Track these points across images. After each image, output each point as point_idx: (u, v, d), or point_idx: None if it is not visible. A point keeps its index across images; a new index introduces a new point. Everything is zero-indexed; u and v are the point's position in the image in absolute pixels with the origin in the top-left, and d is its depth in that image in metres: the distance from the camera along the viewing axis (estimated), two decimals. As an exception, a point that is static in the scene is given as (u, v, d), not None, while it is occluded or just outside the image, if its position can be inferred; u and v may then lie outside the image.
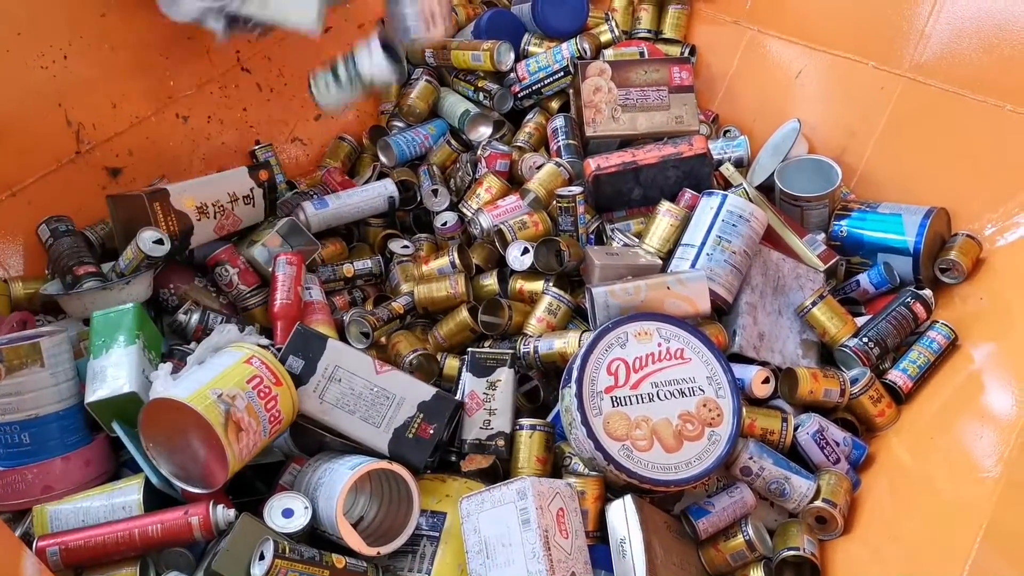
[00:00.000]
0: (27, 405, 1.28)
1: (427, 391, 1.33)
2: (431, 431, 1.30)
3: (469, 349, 1.44)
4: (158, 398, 1.16)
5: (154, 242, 1.50)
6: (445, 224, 1.74)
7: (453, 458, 1.38)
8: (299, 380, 1.30)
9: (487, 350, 1.41)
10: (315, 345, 1.32)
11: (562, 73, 1.85)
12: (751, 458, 1.29)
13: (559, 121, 1.80)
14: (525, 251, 1.58)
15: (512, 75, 1.90)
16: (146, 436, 1.18)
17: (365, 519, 1.30)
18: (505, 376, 1.39)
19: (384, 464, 1.24)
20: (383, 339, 1.59)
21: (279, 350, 1.32)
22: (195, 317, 1.50)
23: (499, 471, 1.38)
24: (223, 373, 1.20)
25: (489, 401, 1.37)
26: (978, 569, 1.02)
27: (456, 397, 1.39)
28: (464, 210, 1.74)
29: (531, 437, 1.35)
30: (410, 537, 1.24)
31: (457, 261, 1.61)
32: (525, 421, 1.37)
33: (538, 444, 1.35)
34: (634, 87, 1.77)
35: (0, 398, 1.27)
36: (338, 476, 1.21)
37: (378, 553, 1.20)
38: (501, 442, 1.35)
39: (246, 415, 1.17)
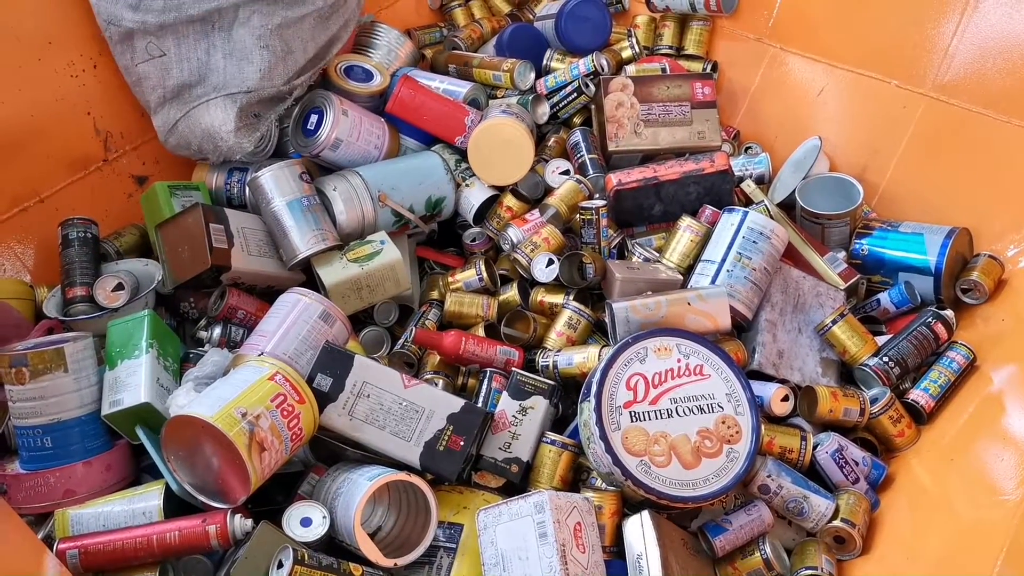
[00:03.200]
0: (50, 409, 1.29)
1: (456, 403, 1.33)
2: (462, 443, 1.30)
3: (513, 369, 1.44)
4: (182, 415, 1.16)
5: (112, 290, 1.49)
6: (474, 241, 1.74)
7: (466, 475, 1.38)
8: (328, 398, 1.30)
9: (530, 375, 1.41)
10: (342, 362, 1.32)
11: (576, 93, 1.85)
12: (769, 476, 1.28)
13: (577, 136, 1.81)
14: (550, 263, 1.59)
15: (533, 94, 1.91)
16: (168, 449, 1.19)
17: (383, 530, 1.31)
18: (539, 406, 1.39)
19: (403, 475, 1.24)
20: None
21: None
22: (216, 331, 1.50)
23: (513, 482, 1.37)
24: (247, 390, 1.20)
25: (517, 425, 1.37)
26: (999, 593, 1.01)
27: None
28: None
29: (559, 455, 1.35)
30: (427, 549, 1.24)
31: (484, 275, 1.62)
32: (556, 437, 1.36)
33: (564, 464, 1.35)
34: (656, 102, 1.78)
35: (24, 402, 1.29)
36: (357, 487, 1.22)
37: (395, 564, 1.20)
38: (515, 468, 1.34)
39: (269, 434, 1.17)
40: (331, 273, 1.51)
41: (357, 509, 1.18)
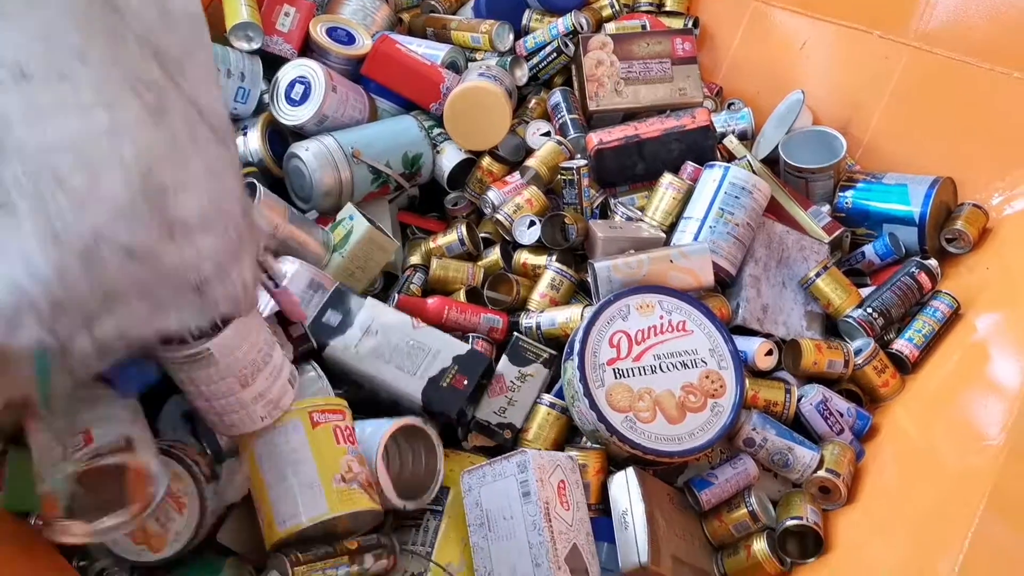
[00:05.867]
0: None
1: (463, 347, 1.36)
2: (465, 382, 1.32)
3: (515, 334, 1.44)
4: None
5: None
6: (456, 205, 1.73)
7: (461, 443, 1.38)
8: (336, 332, 1.33)
9: (532, 342, 1.41)
10: (353, 301, 1.36)
11: (555, 54, 1.83)
12: (754, 429, 1.28)
13: (557, 96, 1.79)
14: (532, 224, 1.58)
15: (512, 56, 1.89)
16: None
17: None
18: (538, 373, 1.38)
19: (411, 420, 1.26)
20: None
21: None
22: None
23: (505, 446, 1.37)
24: (316, 458, 1.14)
25: (514, 391, 1.37)
26: (981, 536, 1.01)
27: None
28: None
29: (554, 417, 1.35)
30: (415, 512, 1.25)
31: (466, 238, 1.61)
32: (553, 400, 1.36)
33: (556, 427, 1.35)
34: (636, 59, 1.75)
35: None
36: (373, 436, 1.23)
37: (404, 507, 1.22)
38: (508, 434, 1.34)
39: (357, 464, 1.16)
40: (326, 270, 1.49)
41: (380, 446, 1.20)
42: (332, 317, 1.34)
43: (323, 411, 1.16)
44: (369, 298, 1.37)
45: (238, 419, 1.13)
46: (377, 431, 1.24)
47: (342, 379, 1.34)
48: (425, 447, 1.30)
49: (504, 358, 1.40)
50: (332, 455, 1.14)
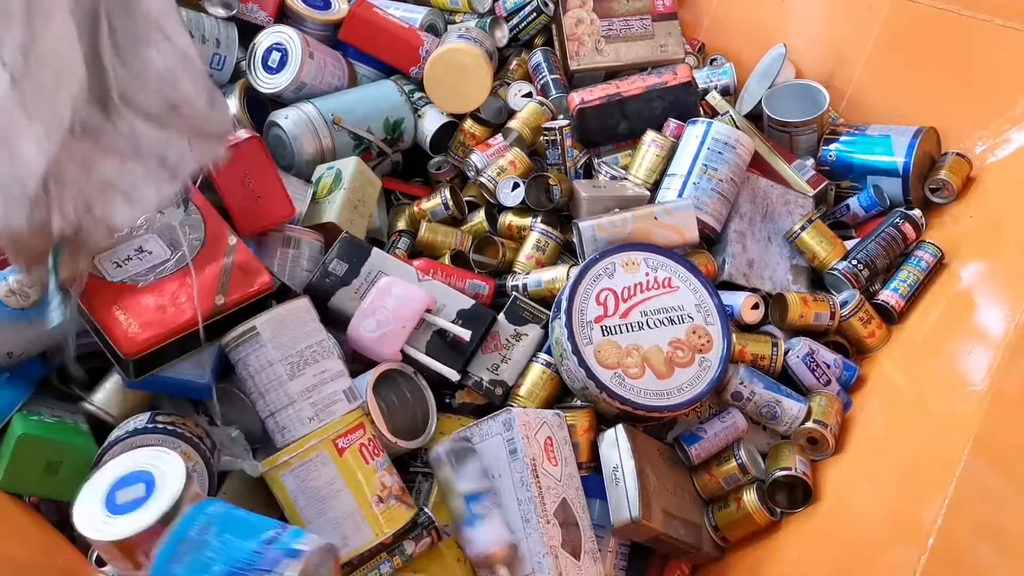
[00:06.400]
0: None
1: (467, 301, 1.37)
2: (467, 338, 1.31)
3: (514, 294, 1.43)
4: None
5: None
6: (439, 169, 1.72)
7: (447, 399, 1.38)
8: (342, 281, 1.33)
9: (530, 303, 1.41)
10: (360, 252, 1.36)
11: (535, 14, 1.81)
12: (742, 383, 1.29)
13: (538, 57, 1.77)
14: (515, 186, 1.57)
15: (492, 16, 1.86)
16: None
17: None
18: (533, 333, 1.38)
19: (396, 364, 1.28)
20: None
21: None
22: None
23: (494, 404, 1.37)
24: (351, 490, 1.14)
25: (508, 348, 1.36)
26: (966, 480, 1.02)
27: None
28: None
29: (548, 376, 1.34)
30: (407, 475, 1.26)
31: (450, 202, 1.60)
32: (549, 359, 1.35)
33: (550, 386, 1.34)
34: (617, 17, 1.74)
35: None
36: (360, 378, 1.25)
37: (395, 443, 1.22)
38: (499, 391, 1.34)
39: (388, 477, 1.16)
40: (328, 211, 1.46)
41: (368, 386, 1.22)
42: (338, 267, 1.34)
43: (346, 434, 1.15)
44: (375, 248, 1.37)
45: (286, 418, 1.15)
46: (363, 377, 1.25)
47: (345, 329, 1.33)
48: (412, 390, 1.31)
49: (501, 316, 1.40)
50: (365, 478, 1.14)
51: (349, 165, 1.49)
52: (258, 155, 1.37)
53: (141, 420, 1.15)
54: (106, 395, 1.24)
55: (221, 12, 1.60)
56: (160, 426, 1.13)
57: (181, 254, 1.19)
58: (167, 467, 0.97)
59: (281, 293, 1.31)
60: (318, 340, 1.18)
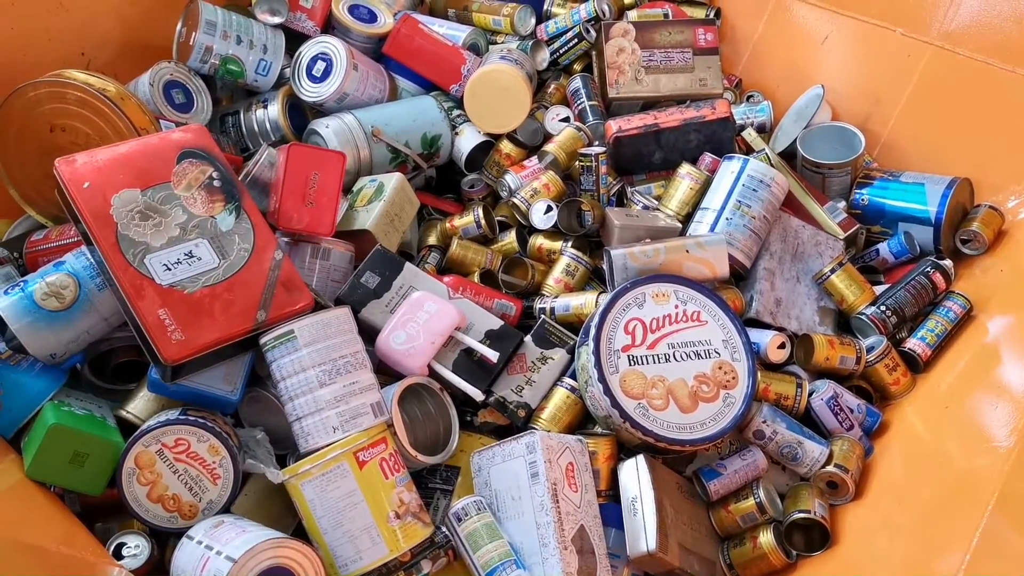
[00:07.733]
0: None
1: (495, 321, 1.38)
2: (496, 359, 1.32)
3: (542, 317, 1.44)
4: None
5: None
6: (472, 187, 1.73)
7: (468, 417, 1.38)
8: (374, 294, 1.35)
9: (558, 327, 1.41)
10: (392, 265, 1.38)
11: (577, 39, 1.82)
12: (764, 422, 1.29)
13: (577, 82, 1.78)
14: (549, 209, 1.58)
15: (533, 40, 1.88)
16: None
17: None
18: (559, 357, 1.38)
19: (421, 379, 1.28)
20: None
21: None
22: None
23: (515, 426, 1.38)
24: (373, 500, 1.15)
25: (533, 371, 1.37)
26: (988, 538, 1.02)
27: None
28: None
29: (572, 401, 1.34)
30: (425, 491, 1.26)
31: (483, 221, 1.61)
32: (574, 384, 1.35)
33: (572, 411, 1.35)
34: (658, 48, 1.75)
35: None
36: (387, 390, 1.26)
37: (416, 456, 1.23)
38: (522, 413, 1.34)
39: (407, 493, 1.17)
40: (364, 219, 1.47)
41: (394, 399, 1.23)
42: (370, 279, 1.35)
43: (368, 447, 1.16)
44: (407, 263, 1.38)
45: (311, 425, 1.16)
46: (389, 389, 1.26)
47: (373, 340, 1.34)
48: (436, 406, 1.31)
49: (528, 338, 1.40)
50: (384, 493, 1.15)
51: (392, 180, 1.50)
52: (337, 169, 1.40)
53: (174, 412, 1.17)
54: (138, 403, 1.26)
55: (270, 19, 1.63)
56: (192, 418, 1.15)
57: (228, 263, 1.20)
58: None
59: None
60: (353, 351, 1.19)
